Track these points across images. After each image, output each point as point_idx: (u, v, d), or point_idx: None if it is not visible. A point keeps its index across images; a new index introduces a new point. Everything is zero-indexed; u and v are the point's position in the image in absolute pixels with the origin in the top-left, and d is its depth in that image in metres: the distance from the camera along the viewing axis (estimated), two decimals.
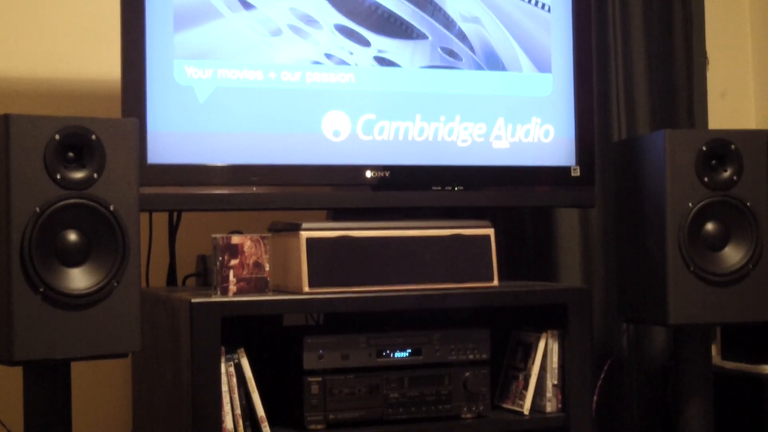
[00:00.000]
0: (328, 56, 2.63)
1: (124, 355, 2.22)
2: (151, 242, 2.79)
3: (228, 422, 2.31)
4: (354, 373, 2.44)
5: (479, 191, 2.74)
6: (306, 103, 2.61)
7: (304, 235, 2.45)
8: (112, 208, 2.19)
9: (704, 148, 2.67)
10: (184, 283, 2.83)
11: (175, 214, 2.82)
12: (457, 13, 2.75)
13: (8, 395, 2.57)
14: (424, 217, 2.71)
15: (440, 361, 2.52)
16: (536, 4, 2.82)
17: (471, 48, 2.76)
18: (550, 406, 2.60)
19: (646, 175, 2.74)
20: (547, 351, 2.60)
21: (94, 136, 2.18)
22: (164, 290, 2.64)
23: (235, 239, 2.38)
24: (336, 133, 2.63)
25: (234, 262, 2.37)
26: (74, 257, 2.17)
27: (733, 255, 2.69)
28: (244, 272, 2.38)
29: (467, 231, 2.59)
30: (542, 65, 2.83)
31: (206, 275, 2.70)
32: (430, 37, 2.73)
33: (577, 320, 2.60)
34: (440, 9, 2.73)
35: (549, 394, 2.60)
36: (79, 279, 2.16)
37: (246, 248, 2.39)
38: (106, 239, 2.19)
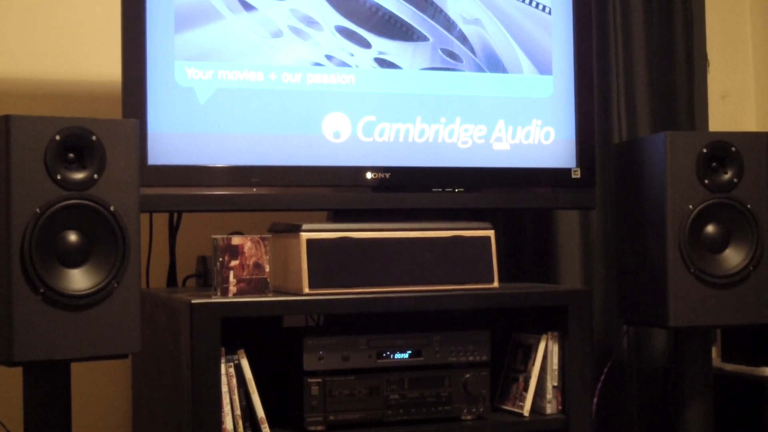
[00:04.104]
0: (329, 58, 2.63)
1: (124, 356, 2.22)
2: (152, 243, 2.80)
3: (228, 423, 2.31)
4: (354, 375, 2.44)
5: (480, 193, 2.74)
6: (306, 104, 2.61)
7: (305, 236, 2.45)
8: (112, 208, 2.19)
9: (705, 150, 2.67)
10: (184, 284, 2.83)
11: (176, 214, 2.82)
12: (457, 14, 2.75)
13: (8, 396, 2.57)
14: (425, 219, 2.71)
15: (440, 362, 2.52)
16: (537, 6, 2.83)
17: (472, 50, 2.76)
18: (550, 408, 2.60)
19: (647, 176, 2.74)
20: (547, 353, 2.60)
21: (94, 137, 2.18)
22: (164, 291, 2.64)
23: (236, 240, 2.38)
24: (336, 135, 2.63)
25: (234, 263, 2.37)
26: (74, 258, 2.17)
27: (733, 257, 2.69)
28: (245, 273, 2.38)
29: (467, 232, 2.59)
30: (543, 67, 2.83)
31: (206, 276, 2.70)
32: (430, 39, 2.73)
33: (578, 322, 2.60)
34: (441, 11, 2.73)
35: (549, 395, 2.60)
36: (79, 280, 2.16)
37: (246, 249, 2.39)
38: (106, 240, 2.19)
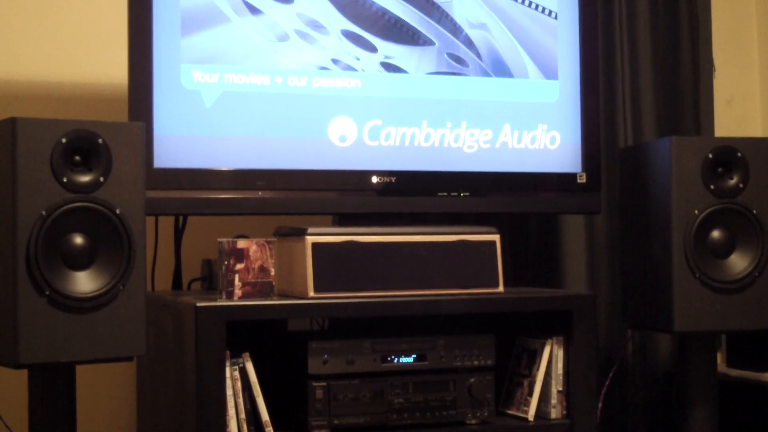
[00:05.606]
0: (335, 62, 2.64)
1: (128, 359, 2.22)
2: (157, 246, 2.80)
3: (232, 426, 2.31)
4: (359, 378, 2.44)
5: (485, 197, 2.74)
6: (312, 108, 2.61)
7: (310, 239, 2.45)
8: (118, 211, 2.19)
9: (710, 155, 2.67)
10: (189, 287, 2.83)
11: (181, 218, 2.82)
12: (464, 19, 2.75)
13: (13, 398, 2.57)
14: (430, 223, 2.71)
15: (445, 366, 2.52)
16: (543, 10, 2.83)
17: (478, 54, 2.76)
18: (555, 413, 2.60)
19: (652, 181, 2.74)
20: (552, 357, 2.60)
21: (100, 140, 2.19)
22: (169, 294, 2.64)
23: (241, 243, 2.38)
24: (342, 139, 2.63)
25: (239, 266, 2.38)
26: (80, 260, 2.17)
27: (738, 262, 2.69)
28: (250, 277, 2.38)
29: (473, 237, 2.59)
30: (549, 72, 2.83)
31: (211, 279, 2.70)
32: (436, 43, 2.73)
33: (582, 327, 2.60)
34: (447, 15, 2.74)
35: (554, 400, 2.59)
36: (84, 282, 2.17)
37: (251, 253, 2.39)
38: (111, 243, 2.19)
